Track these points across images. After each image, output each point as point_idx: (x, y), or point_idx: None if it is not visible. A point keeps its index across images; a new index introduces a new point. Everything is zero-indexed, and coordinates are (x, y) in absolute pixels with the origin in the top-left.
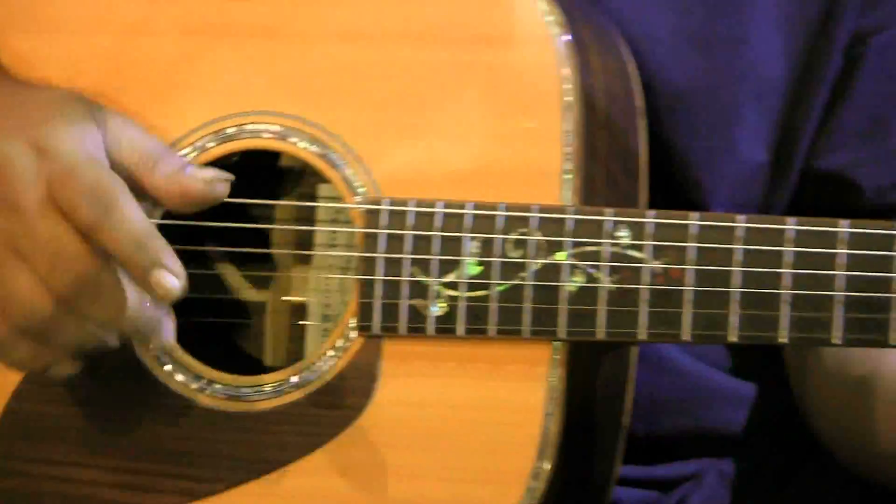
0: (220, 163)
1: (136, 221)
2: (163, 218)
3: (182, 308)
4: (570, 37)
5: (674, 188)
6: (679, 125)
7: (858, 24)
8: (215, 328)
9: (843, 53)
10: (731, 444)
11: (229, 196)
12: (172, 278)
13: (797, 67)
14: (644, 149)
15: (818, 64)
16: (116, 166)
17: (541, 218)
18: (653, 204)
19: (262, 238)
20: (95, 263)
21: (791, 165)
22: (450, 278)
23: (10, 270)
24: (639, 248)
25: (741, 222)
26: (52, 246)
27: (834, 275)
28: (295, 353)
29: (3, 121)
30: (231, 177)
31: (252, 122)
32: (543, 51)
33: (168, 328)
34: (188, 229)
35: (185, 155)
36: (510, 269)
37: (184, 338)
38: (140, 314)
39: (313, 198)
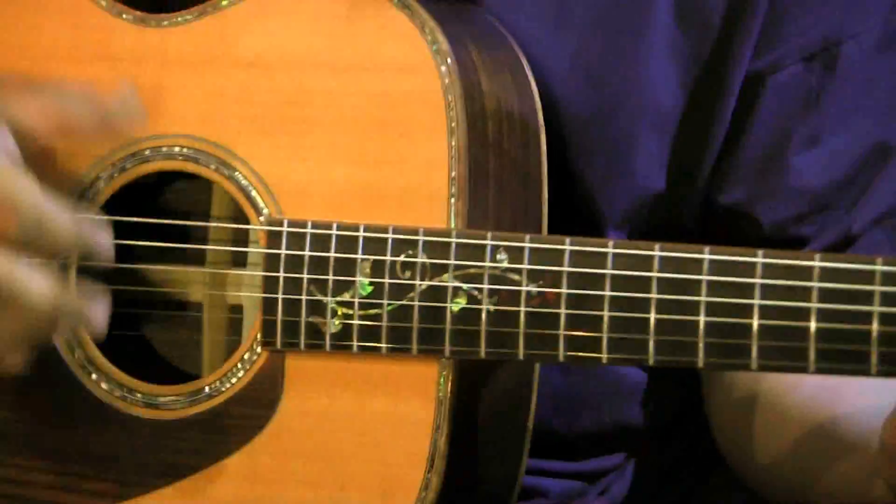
0: (138, 181)
1: (66, 224)
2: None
3: (115, 322)
4: (453, 61)
5: (573, 212)
6: (578, 152)
7: (754, 64)
8: (145, 340)
9: (740, 89)
10: (651, 438)
11: (154, 216)
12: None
13: (694, 101)
14: (542, 161)
15: (714, 98)
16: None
17: (425, 241)
18: (554, 225)
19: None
20: (10, 266)
21: (692, 196)
22: (344, 297)
23: None
24: (517, 271)
25: (611, 248)
26: None
27: (698, 301)
28: (218, 365)
29: None
30: (110, 246)
31: (166, 145)
32: (429, 78)
33: (97, 316)
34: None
35: (103, 176)
36: (399, 290)
37: (114, 350)
38: (65, 304)
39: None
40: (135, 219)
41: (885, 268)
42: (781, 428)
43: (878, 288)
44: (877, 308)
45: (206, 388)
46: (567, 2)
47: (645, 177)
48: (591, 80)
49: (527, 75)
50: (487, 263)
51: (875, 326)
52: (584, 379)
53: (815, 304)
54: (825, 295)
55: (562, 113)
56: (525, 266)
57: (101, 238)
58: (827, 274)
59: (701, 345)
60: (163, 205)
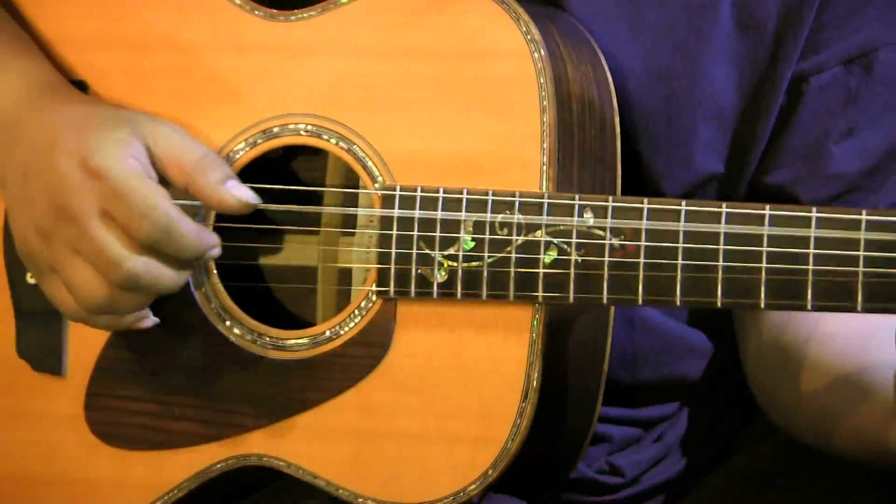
0: (266, 155)
1: (190, 232)
2: None
3: (246, 276)
4: (545, 52)
5: (640, 190)
6: (646, 138)
7: (800, 66)
8: (272, 293)
9: (787, 89)
10: (701, 390)
11: (280, 183)
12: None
13: (748, 98)
14: (617, 144)
15: (766, 96)
16: (161, 169)
17: (521, 202)
18: None
19: (309, 219)
20: (139, 256)
21: (742, 178)
22: (450, 251)
23: (73, 268)
24: (601, 227)
25: (684, 206)
26: (106, 249)
27: (760, 251)
28: (332, 312)
29: (62, 142)
30: (259, 201)
31: (293, 123)
32: (523, 63)
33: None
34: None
35: (239, 149)
36: (498, 245)
37: (243, 301)
38: (180, 280)
39: (341, 186)
40: (265, 185)
41: None
42: (808, 376)
43: None
44: None
45: (327, 332)
46: (642, 9)
47: (702, 161)
48: (660, 78)
49: (605, 70)
50: (575, 220)
51: None
52: (647, 336)
53: (861, 253)
54: (869, 244)
55: (633, 104)
56: (608, 223)
57: (215, 248)
58: (872, 226)
59: (763, 289)
60: (288, 176)
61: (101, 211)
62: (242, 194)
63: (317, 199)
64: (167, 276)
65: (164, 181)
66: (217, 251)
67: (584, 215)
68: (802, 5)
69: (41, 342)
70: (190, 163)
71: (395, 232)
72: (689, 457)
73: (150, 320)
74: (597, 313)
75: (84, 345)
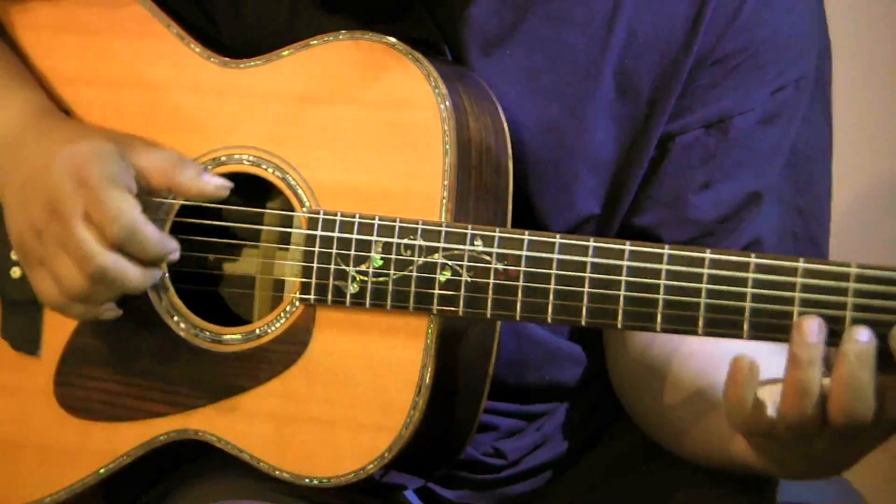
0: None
1: (153, 237)
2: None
3: (196, 281)
4: (450, 104)
5: (530, 227)
6: (536, 184)
7: (668, 127)
8: (217, 296)
9: (657, 145)
10: (574, 392)
11: (224, 203)
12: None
13: (624, 151)
14: (509, 184)
15: (639, 151)
16: (144, 178)
17: (423, 229)
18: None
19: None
20: (109, 252)
21: (615, 219)
22: (361, 268)
23: (58, 260)
24: (488, 253)
25: (558, 239)
26: (84, 245)
27: (620, 279)
28: (265, 313)
29: (59, 157)
30: (231, 185)
31: (237, 154)
32: (431, 113)
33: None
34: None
35: None
36: (402, 264)
37: (190, 301)
38: (146, 280)
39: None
40: (212, 205)
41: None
42: (667, 391)
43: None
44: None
45: (257, 330)
46: (538, 74)
47: (583, 204)
48: (550, 132)
49: (502, 122)
50: (467, 247)
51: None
52: (531, 347)
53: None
54: (711, 279)
55: (527, 154)
56: (494, 250)
57: (174, 251)
58: (714, 263)
59: (620, 312)
60: (232, 198)
61: (84, 213)
62: (217, 181)
63: (257, 218)
64: (132, 273)
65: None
66: (176, 255)
67: (475, 243)
68: (672, 77)
69: (21, 326)
70: (168, 164)
71: (316, 249)
72: (565, 444)
73: (114, 312)
74: (484, 325)
75: (56, 331)
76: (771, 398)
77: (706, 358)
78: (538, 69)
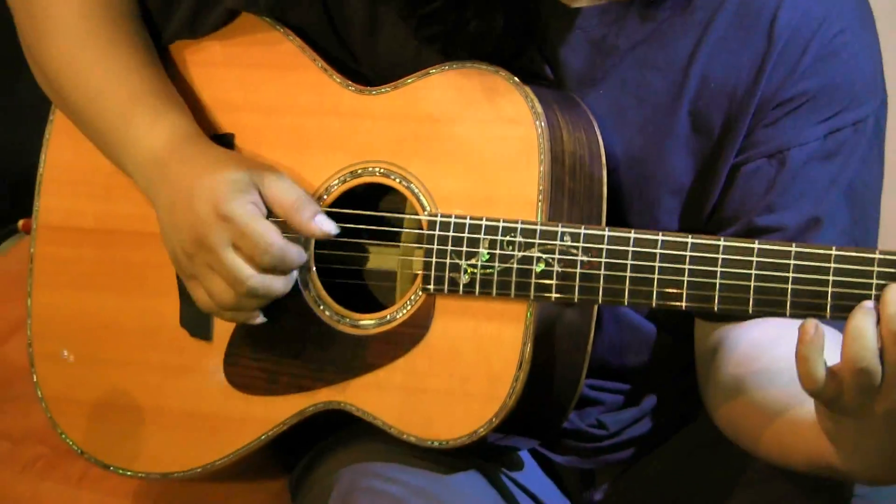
0: (352, 190)
1: (296, 258)
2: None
3: (337, 275)
4: (545, 121)
5: None
6: (624, 205)
7: (736, 159)
8: (356, 287)
9: (728, 172)
10: (670, 376)
11: (360, 208)
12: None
13: (699, 179)
14: (603, 189)
15: (711, 179)
16: (269, 206)
17: (522, 228)
18: None
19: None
20: (259, 274)
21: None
22: (472, 262)
23: (210, 280)
24: (575, 247)
25: (633, 234)
26: (235, 270)
27: (683, 268)
28: (395, 302)
29: (199, 189)
30: (337, 230)
31: (370, 167)
32: (530, 129)
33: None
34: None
35: (334, 184)
36: (504, 258)
37: (335, 292)
38: (287, 287)
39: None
40: (354, 212)
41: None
42: (744, 399)
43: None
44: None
45: (388, 316)
46: (623, 111)
47: (665, 223)
48: (634, 161)
49: (597, 136)
50: (558, 242)
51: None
52: (630, 331)
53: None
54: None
55: (614, 178)
56: (580, 244)
57: (305, 257)
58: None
59: (684, 295)
60: (370, 204)
61: (232, 244)
62: (326, 227)
63: (389, 222)
64: (278, 285)
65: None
66: (305, 257)
67: (564, 238)
68: (739, 118)
69: (197, 317)
70: (288, 202)
71: (435, 246)
72: (659, 421)
73: (260, 319)
74: (581, 310)
75: (224, 322)
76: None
77: (789, 371)
78: (625, 107)
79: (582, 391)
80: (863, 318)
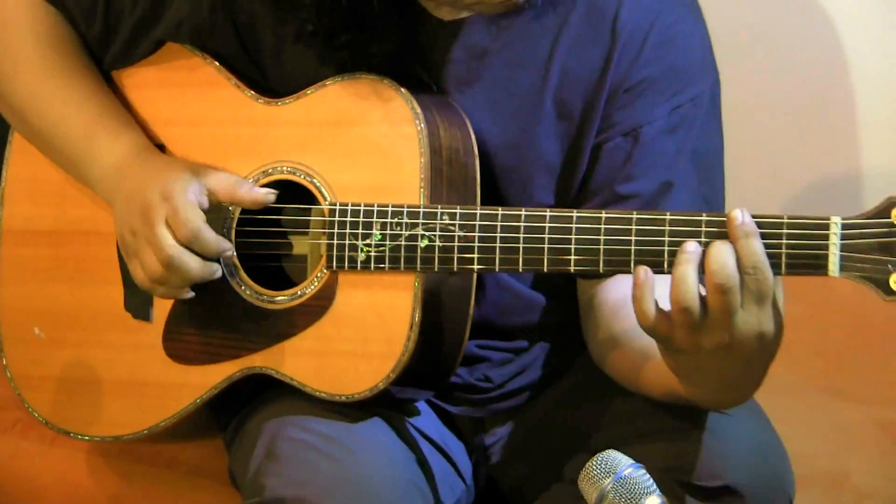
0: (267, 185)
1: (210, 239)
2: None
3: (256, 259)
4: (425, 122)
5: None
6: (503, 184)
7: (596, 138)
8: (272, 269)
9: (591, 152)
10: (547, 332)
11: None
12: (224, 252)
13: (566, 158)
14: (476, 178)
15: (577, 157)
16: (213, 195)
17: (407, 211)
18: None
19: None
20: (177, 247)
21: (565, 206)
22: (367, 242)
23: (144, 251)
24: (453, 224)
25: (500, 211)
26: (160, 239)
27: (543, 237)
28: (304, 279)
29: (152, 181)
30: (275, 193)
31: (279, 166)
32: (411, 128)
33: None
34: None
35: (251, 181)
36: (394, 237)
37: (253, 273)
38: (204, 270)
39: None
40: (271, 205)
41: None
42: (612, 338)
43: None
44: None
45: (299, 292)
46: (498, 105)
47: (539, 197)
48: (509, 147)
49: (469, 132)
50: (437, 221)
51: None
52: (510, 295)
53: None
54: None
55: (492, 162)
56: (457, 222)
57: (228, 251)
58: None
59: (545, 260)
60: (281, 198)
61: (165, 220)
62: (263, 194)
63: (297, 212)
64: (193, 263)
65: (214, 206)
66: (230, 253)
67: (443, 218)
68: (595, 103)
69: (138, 300)
70: (229, 184)
71: (336, 230)
72: (539, 372)
73: (189, 293)
74: (462, 277)
75: (162, 304)
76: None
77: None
78: (498, 101)
79: (471, 350)
80: (686, 266)
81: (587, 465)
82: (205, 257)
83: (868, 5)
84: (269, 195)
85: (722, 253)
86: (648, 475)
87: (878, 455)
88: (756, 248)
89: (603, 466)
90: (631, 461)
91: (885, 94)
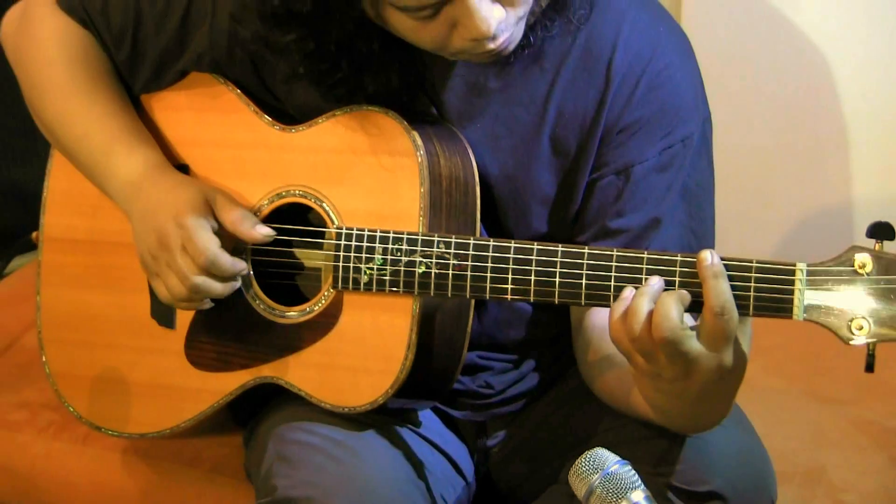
0: (278, 209)
1: (226, 264)
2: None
3: (270, 276)
4: (426, 153)
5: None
6: (501, 214)
7: (591, 176)
8: (285, 286)
9: (585, 188)
10: (543, 345)
11: (286, 223)
12: (240, 272)
13: (562, 191)
14: (476, 205)
15: (571, 191)
16: (219, 220)
17: (407, 238)
18: None
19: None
20: (198, 275)
21: (560, 237)
22: (370, 265)
23: (167, 276)
24: (448, 252)
25: (491, 242)
26: (183, 269)
27: (530, 269)
28: (313, 297)
29: (165, 205)
30: (273, 234)
31: (292, 189)
32: (411, 159)
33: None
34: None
35: (264, 204)
36: (395, 262)
37: (268, 290)
38: (226, 289)
39: (319, 226)
40: (281, 226)
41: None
42: (593, 357)
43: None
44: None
45: (308, 308)
46: (497, 140)
47: (536, 226)
48: (508, 179)
49: (470, 160)
50: (434, 249)
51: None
52: (509, 311)
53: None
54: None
55: (493, 193)
56: (452, 251)
57: (244, 270)
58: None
59: (532, 291)
60: (294, 219)
61: (182, 247)
62: (264, 231)
63: (307, 233)
64: (216, 286)
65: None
66: (246, 272)
67: (439, 246)
68: (589, 141)
69: (163, 309)
70: (234, 217)
71: (341, 253)
72: (536, 379)
73: (208, 304)
74: (459, 300)
75: (185, 314)
76: None
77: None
78: (498, 135)
79: (473, 360)
80: (639, 299)
81: (576, 463)
82: (221, 277)
83: (859, 32)
84: (267, 235)
85: (666, 305)
86: (634, 471)
87: (852, 451)
88: (723, 288)
89: (591, 463)
90: (617, 458)
91: (874, 123)
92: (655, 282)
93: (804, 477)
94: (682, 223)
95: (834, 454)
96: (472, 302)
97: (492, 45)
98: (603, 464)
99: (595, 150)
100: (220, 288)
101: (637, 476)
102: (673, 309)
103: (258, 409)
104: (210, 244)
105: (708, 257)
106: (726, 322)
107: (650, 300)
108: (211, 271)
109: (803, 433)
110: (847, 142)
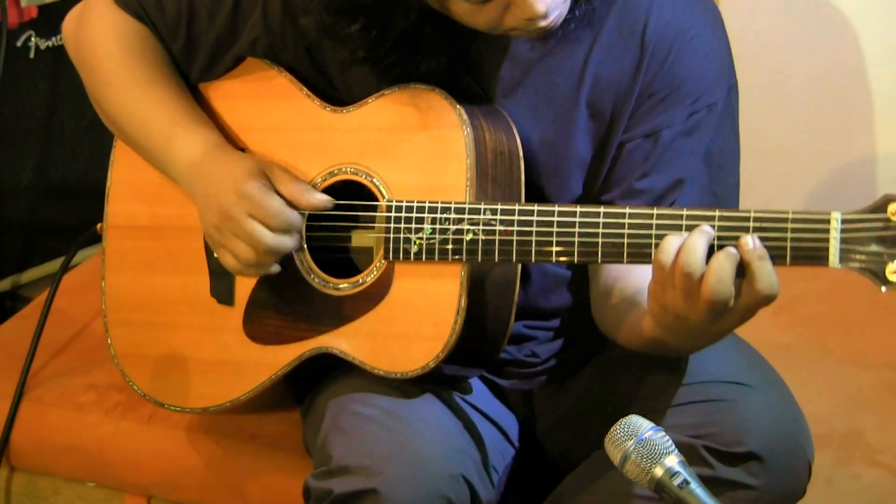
0: (331, 186)
1: (297, 221)
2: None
3: (323, 251)
4: (471, 127)
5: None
6: (543, 179)
7: (622, 137)
8: (339, 258)
9: (616, 149)
10: (587, 312)
11: (343, 199)
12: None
13: (597, 154)
14: (521, 177)
15: (604, 154)
16: (279, 192)
17: (455, 207)
18: None
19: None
20: (275, 236)
21: (592, 197)
22: (419, 235)
23: (235, 244)
24: (494, 220)
25: (536, 206)
26: (255, 233)
27: (573, 231)
28: (365, 268)
29: (225, 179)
30: (332, 201)
31: (344, 167)
32: (458, 133)
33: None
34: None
35: (318, 181)
36: (443, 231)
37: (321, 262)
38: (295, 243)
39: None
40: (337, 202)
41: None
42: (609, 302)
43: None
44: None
45: (360, 280)
46: (538, 109)
47: (574, 189)
48: (549, 146)
49: (514, 135)
50: (481, 217)
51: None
52: (552, 278)
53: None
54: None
55: (535, 160)
56: (498, 217)
57: (326, 202)
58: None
59: (575, 252)
60: (347, 195)
61: (248, 214)
62: (323, 198)
63: (359, 207)
64: (289, 243)
65: None
66: (331, 204)
67: (486, 214)
68: (624, 106)
69: (222, 287)
70: (292, 186)
71: (392, 225)
72: (580, 348)
73: (276, 268)
74: (505, 267)
75: (243, 290)
76: None
77: (634, 279)
78: (538, 105)
79: (519, 330)
80: (697, 236)
81: (612, 430)
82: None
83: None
84: (327, 201)
85: (723, 268)
86: (668, 437)
87: (888, 414)
88: (770, 269)
89: (625, 430)
90: (651, 424)
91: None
92: (708, 228)
93: (842, 440)
94: (704, 185)
95: (870, 417)
96: (518, 273)
97: (544, 24)
98: (637, 430)
99: (628, 114)
100: (291, 243)
101: (671, 442)
102: (728, 274)
103: (315, 384)
104: (282, 206)
105: (749, 242)
106: (772, 300)
107: (706, 240)
108: (284, 229)
109: (840, 398)
110: (871, 100)
